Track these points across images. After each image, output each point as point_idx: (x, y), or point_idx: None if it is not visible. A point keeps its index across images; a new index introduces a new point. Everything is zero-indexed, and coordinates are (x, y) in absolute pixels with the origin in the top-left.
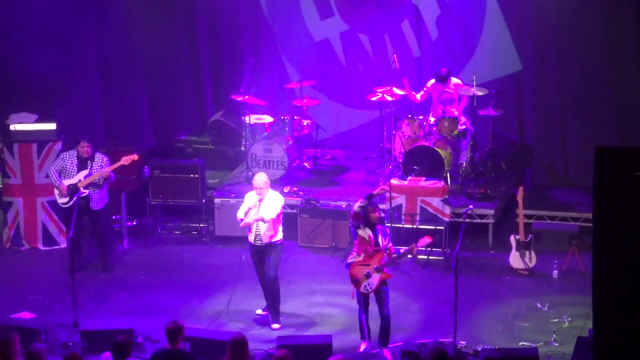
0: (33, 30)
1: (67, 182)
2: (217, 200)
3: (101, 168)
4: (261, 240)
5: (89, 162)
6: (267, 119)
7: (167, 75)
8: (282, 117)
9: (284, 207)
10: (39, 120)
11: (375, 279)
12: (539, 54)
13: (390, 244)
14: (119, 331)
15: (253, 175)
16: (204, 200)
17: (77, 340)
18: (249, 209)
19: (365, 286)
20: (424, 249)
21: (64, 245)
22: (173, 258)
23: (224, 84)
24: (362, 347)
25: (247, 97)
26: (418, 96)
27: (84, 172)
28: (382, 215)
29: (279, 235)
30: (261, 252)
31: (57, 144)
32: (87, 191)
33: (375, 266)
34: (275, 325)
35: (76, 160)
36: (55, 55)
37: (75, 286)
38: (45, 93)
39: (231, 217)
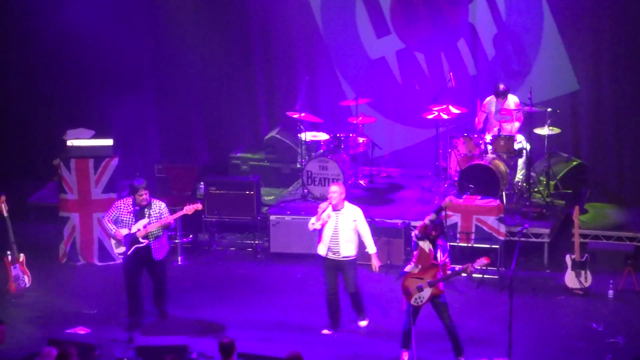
0: (88, 48)
1: (124, 232)
2: (272, 217)
3: (160, 215)
4: (339, 254)
5: (146, 210)
6: (323, 136)
7: (222, 92)
8: (338, 135)
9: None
10: (96, 136)
11: (427, 293)
12: (595, 73)
13: (447, 260)
14: (174, 347)
15: (308, 192)
16: (259, 217)
17: (131, 355)
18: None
19: (416, 299)
20: (480, 268)
21: (119, 260)
22: (228, 274)
23: (279, 100)
24: (405, 358)
25: (302, 114)
26: (476, 120)
27: (144, 221)
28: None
29: (355, 250)
30: (336, 266)
31: (114, 159)
32: (145, 241)
33: (428, 281)
34: (363, 323)
35: (132, 209)
36: (111, 71)
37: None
38: (100, 109)
39: (287, 234)
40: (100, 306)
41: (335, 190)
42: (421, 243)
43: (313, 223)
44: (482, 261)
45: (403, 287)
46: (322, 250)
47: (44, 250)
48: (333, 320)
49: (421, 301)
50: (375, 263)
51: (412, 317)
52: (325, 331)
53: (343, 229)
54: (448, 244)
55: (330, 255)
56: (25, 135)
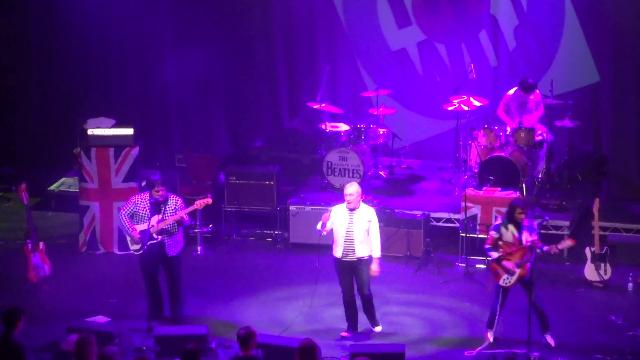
0: (110, 37)
1: (139, 228)
2: (292, 208)
3: (175, 211)
4: (354, 255)
5: (162, 206)
6: (343, 127)
7: (243, 82)
8: (358, 126)
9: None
10: (117, 125)
11: (515, 274)
12: (617, 65)
13: (537, 238)
14: (193, 336)
15: (328, 183)
16: (279, 208)
17: (150, 344)
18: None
19: (504, 280)
20: (563, 249)
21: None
22: (247, 265)
23: (300, 91)
24: (490, 337)
25: (323, 104)
26: (498, 112)
27: (157, 217)
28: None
29: (369, 250)
30: (351, 268)
31: (134, 149)
32: (159, 237)
33: (516, 262)
34: (378, 328)
35: (149, 205)
36: (132, 61)
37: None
38: (122, 98)
39: (306, 224)
40: (120, 295)
41: (353, 193)
42: (503, 231)
43: (319, 229)
44: (567, 242)
45: (491, 268)
46: (337, 252)
47: (64, 238)
48: (351, 323)
49: (509, 282)
50: (375, 268)
51: (502, 298)
52: (344, 334)
53: (357, 229)
54: (535, 222)
55: (346, 257)
56: (47, 123)
